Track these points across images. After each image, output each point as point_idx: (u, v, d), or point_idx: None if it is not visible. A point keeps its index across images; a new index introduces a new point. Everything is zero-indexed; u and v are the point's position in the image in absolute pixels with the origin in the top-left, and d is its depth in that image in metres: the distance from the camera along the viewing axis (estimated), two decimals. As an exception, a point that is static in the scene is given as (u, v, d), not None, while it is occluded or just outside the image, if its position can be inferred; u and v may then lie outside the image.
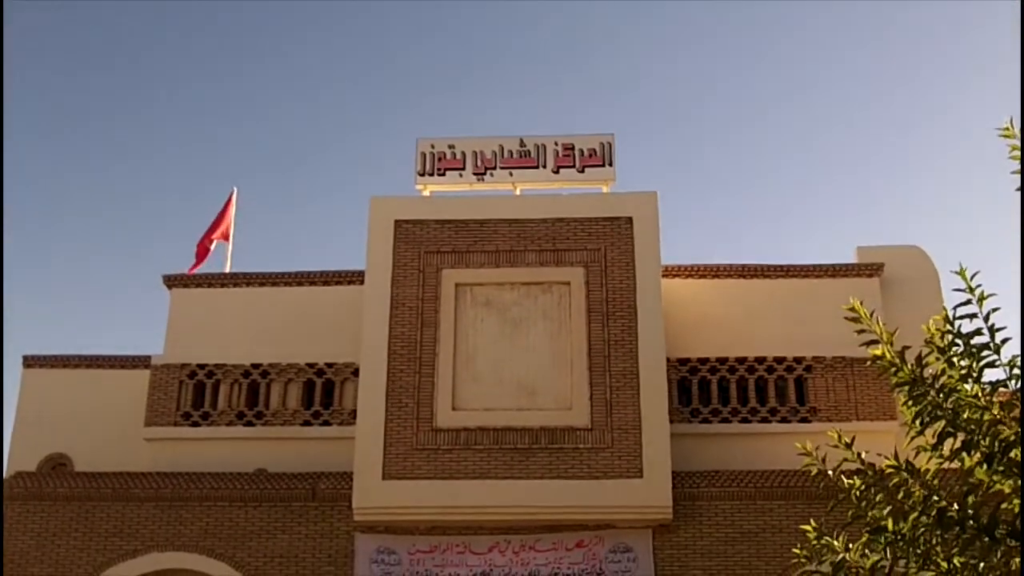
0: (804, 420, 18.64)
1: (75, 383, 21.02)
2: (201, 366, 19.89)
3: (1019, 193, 4.44)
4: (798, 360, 19.22)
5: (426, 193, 19.41)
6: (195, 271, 21.43)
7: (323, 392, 19.72)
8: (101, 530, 17.69)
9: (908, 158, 49.72)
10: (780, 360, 19.25)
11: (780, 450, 17.03)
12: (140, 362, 20.69)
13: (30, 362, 21.43)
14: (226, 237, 22.19)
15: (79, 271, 53.75)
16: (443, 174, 19.36)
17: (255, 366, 19.81)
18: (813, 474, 4.91)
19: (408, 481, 17.11)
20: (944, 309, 4.55)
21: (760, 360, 19.24)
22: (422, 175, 19.36)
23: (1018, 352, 4.31)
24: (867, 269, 19.99)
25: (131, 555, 17.54)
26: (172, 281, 20.87)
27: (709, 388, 19.20)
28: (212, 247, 21.87)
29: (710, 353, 19.28)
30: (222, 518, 17.65)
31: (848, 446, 4.62)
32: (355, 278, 19.95)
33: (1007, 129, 4.41)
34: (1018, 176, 4.40)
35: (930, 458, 4.53)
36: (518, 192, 19.40)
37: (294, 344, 19.88)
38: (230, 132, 52.40)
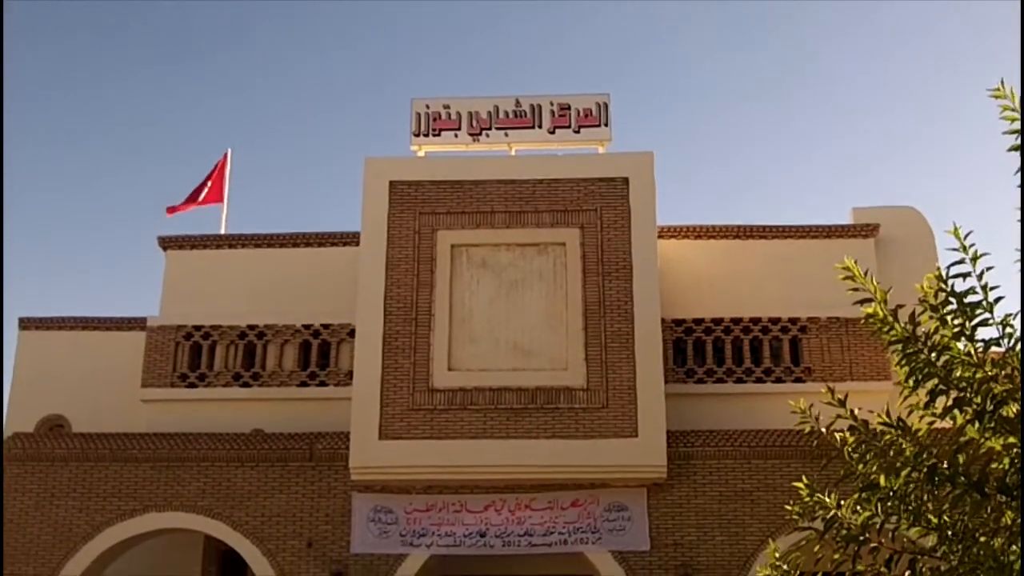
0: (798, 380, 18.73)
1: (71, 345, 21.07)
2: (197, 327, 19.93)
3: (1012, 153, 4.43)
4: (793, 321, 19.28)
5: (421, 154, 19.33)
6: (173, 214, 21.36)
7: (319, 353, 19.78)
8: (99, 490, 17.79)
9: (905, 119, 49.58)
10: (775, 321, 19.31)
11: (774, 410, 17.10)
12: (136, 324, 20.73)
13: (26, 324, 21.45)
14: (220, 199, 22.12)
15: (74, 233, 53.61)
16: (438, 135, 19.28)
17: (251, 327, 19.85)
18: (806, 432, 4.93)
19: (404, 441, 17.19)
20: (939, 269, 4.56)
21: (755, 321, 19.31)
22: (417, 136, 19.28)
23: (1011, 311, 4.33)
24: (862, 230, 20.01)
25: (129, 515, 17.66)
26: (167, 243, 20.85)
27: (704, 349, 19.28)
28: (200, 200, 21.75)
29: (705, 314, 19.34)
30: (219, 478, 17.75)
31: (841, 403, 4.65)
32: (351, 239, 19.94)
33: (998, 90, 4.40)
34: (1010, 136, 4.40)
35: (922, 416, 4.56)
36: (513, 153, 19.32)
37: (290, 305, 19.91)
38: (224, 94, 52.07)
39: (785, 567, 5.11)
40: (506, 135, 19.32)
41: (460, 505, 17.36)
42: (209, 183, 22.02)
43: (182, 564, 19.59)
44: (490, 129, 19.28)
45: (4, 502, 17.74)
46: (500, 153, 19.42)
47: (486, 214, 18.33)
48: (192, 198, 21.79)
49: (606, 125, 19.18)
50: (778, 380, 18.86)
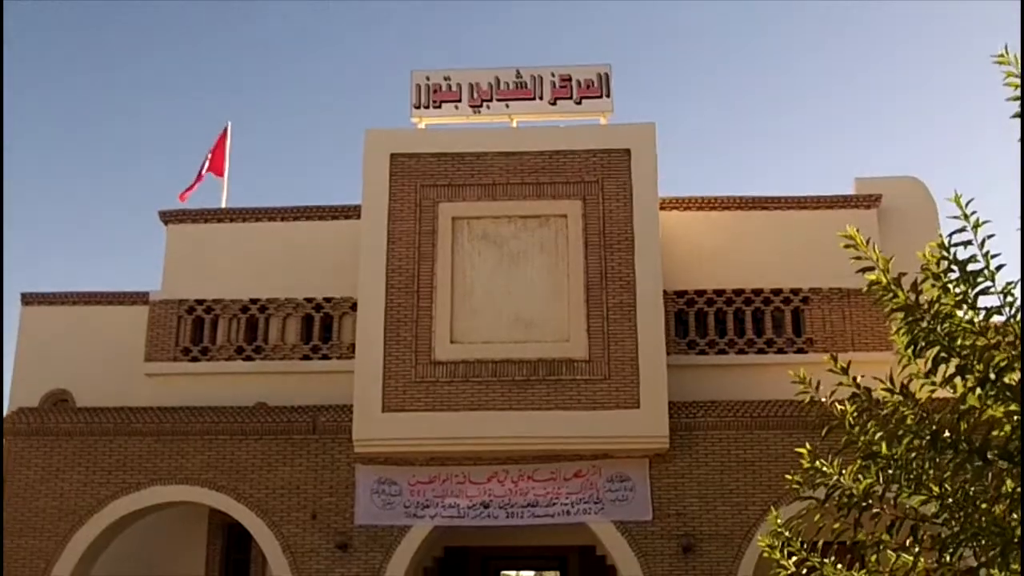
0: (800, 351, 18.75)
1: (74, 320, 21.08)
2: (199, 302, 19.94)
3: (1015, 120, 4.41)
4: (795, 292, 19.27)
5: (421, 126, 19.25)
6: (186, 197, 21.34)
7: (322, 327, 19.80)
8: (104, 464, 17.87)
9: (908, 89, 49.34)
10: (777, 292, 19.30)
11: (776, 381, 17.09)
12: (138, 298, 20.72)
13: (28, 299, 21.44)
14: (220, 172, 22.06)
15: (76, 209, 53.56)
16: (439, 106, 19.19)
17: (253, 301, 19.86)
18: (806, 402, 4.94)
19: (407, 413, 17.24)
20: (941, 237, 4.54)
21: (757, 292, 19.30)
22: (417, 108, 19.19)
23: (1012, 279, 4.32)
24: (865, 200, 19.94)
25: (134, 488, 17.75)
26: (168, 217, 20.81)
27: (706, 320, 19.28)
28: (203, 174, 21.72)
29: (707, 285, 19.33)
30: (223, 451, 17.81)
31: (844, 371, 4.65)
32: (352, 212, 19.89)
33: (1002, 56, 4.37)
34: (1013, 103, 4.38)
35: (922, 385, 4.56)
36: (514, 124, 19.24)
37: (292, 279, 19.90)
38: (224, 66, 51.86)
39: (787, 534, 5.12)
40: (507, 107, 19.23)
41: (463, 477, 17.43)
42: (210, 155, 21.97)
43: (188, 537, 19.70)
44: (491, 101, 19.20)
45: (10, 476, 17.83)
46: (501, 125, 19.34)
47: (487, 186, 18.28)
48: (198, 178, 21.76)
49: (607, 96, 19.10)
50: (780, 351, 18.87)
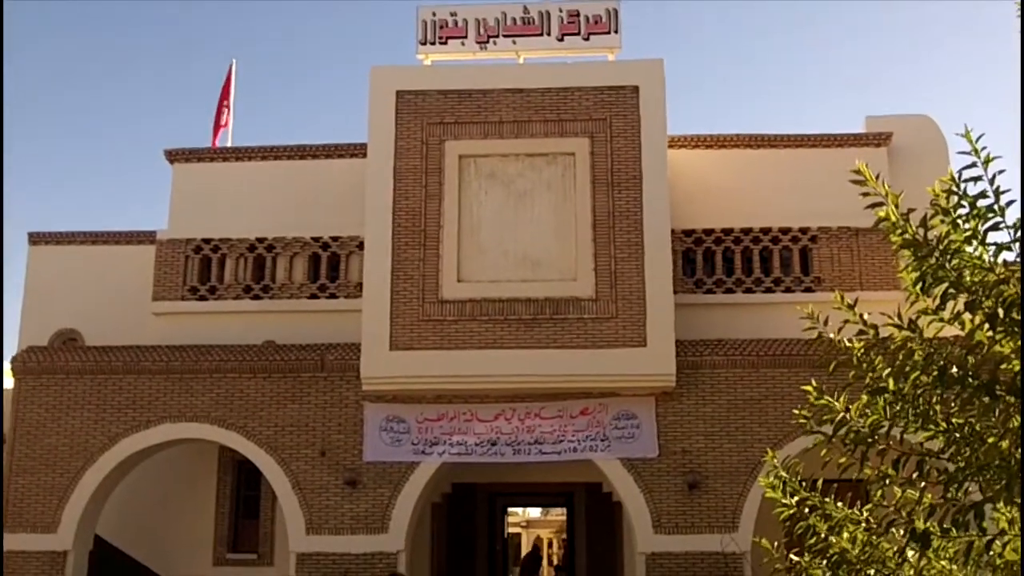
0: (808, 290, 18.73)
1: (82, 260, 21.11)
2: (206, 240, 19.94)
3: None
4: (803, 230, 19.20)
5: (427, 63, 19.05)
6: (216, 142, 21.31)
7: (329, 265, 19.81)
8: (114, 402, 18.01)
9: (921, 27, 48.66)
10: (785, 230, 19.23)
11: (784, 320, 17.15)
12: (145, 237, 20.74)
13: (35, 239, 21.46)
14: (226, 116, 21.95)
15: (82, 148, 53.36)
16: (445, 43, 18.97)
17: (260, 240, 19.86)
18: (814, 339, 4.92)
19: (415, 352, 17.30)
20: (951, 173, 4.49)
21: (765, 230, 19.23)
22: (423, 44, 18.97)
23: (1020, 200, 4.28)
24: (875, 139, 19.78)
25: (144, 426, 17.90)
26: (174, 156, 20.74)
27: (714, 259, 19.24)
28: (225, 119, 21.67)
29: (715, 224, 19.26)
30: (232, 389, 17.93)
31: (851, 307, 4.63)
32: (358, 151, 19.79)
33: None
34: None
35: (931, 322, 4.54)
36: (522, 61, 19.01)
37: (298, 218, 19.88)
38: (228, 2, 51.29)
39: (784, 474, 5.14)
40: (514, 43, 19.00)
41: (471, 414, 17.54)
42: (227, 103, 21.85)
43: (198, 474, 19.95)
44: (498, 37, 18.96)
45: (21, 414, 17.99)
46: (508, 61, 19.12)
47: (494, 124, 18.13)
48: (217, 122, 21.65)
49: (616, 32, 18.85)
50: (788, 290, 18.85)
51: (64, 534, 17.47)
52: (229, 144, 21.49)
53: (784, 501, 5.03)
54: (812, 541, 4.92)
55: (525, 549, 36.46)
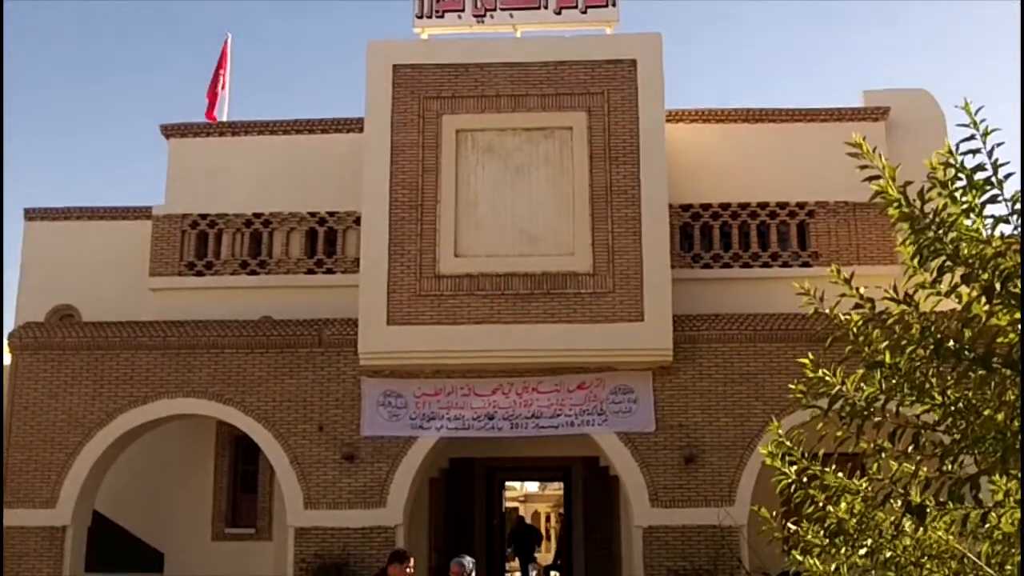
0: (805, 265, 18.74)
1: (78, 235, 21.07)
2: (203, 216, 19.91)
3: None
4: (801, 205, 19.19)
5: (424, 37, 18.95)
6: (214, 115, 21.19)
7: (326, 241, 19.79)
8: (112, 377, 18.02)
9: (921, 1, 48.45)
10: (782, 205, 19.23)
11: (780, 295, 17.15)
12: (142, 213, 20.70)
13: (31, 215, 21.41)
14: (222, 86, 21.83)
15: (77, 123, 53.15)
16: (441, 16, 18.85)
17: (256, 215, 19.84)
18: (811, 312, 4.91)
19: (412, 327, 17.31)
20: (948, 145, 4.47)
21: (762, 205, 19.22)
22: (420, 18, 18.85)
23: (1019, 188, 4.26)
24: (873, 113, 19.74)
25: (142, 401, 17.92)
26: (170, 131, 20.66)
27: (711, 233, 19.24)
28: (220, 93, 21.54)
29: (713, 198, 19.24)
30: (230, 364, 17.94)
31: (847, 282, 4.61)
32: (355, 126, 19.73)
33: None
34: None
35: (927, 296, 4.53)
36: (519, 35, 18.90)
37: (295, 193, 19.84)
38: (223, -23, 50.96)
39: (788, 444, 5.14)
40: (511, 16, 18.88)
41: (468, 389, 17.56)
42: (222, 75, 21.72)
43: (196, 449, 19.99)
44: (495, 10, 18.85)
45: (19, 390, 18.00)
46: (505, 35, 19.01)
47: (491, 98, 18.06)
48: (212, 96, 21.49)
49: (613, 6, 18.74)
50: (785, 265, 18.85)
51: (63, 509, 17.53)
52: (225, 119, 21.40)
53: (784, 470, 5.04)
54: (810, 510, 4.93)
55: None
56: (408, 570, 10.33)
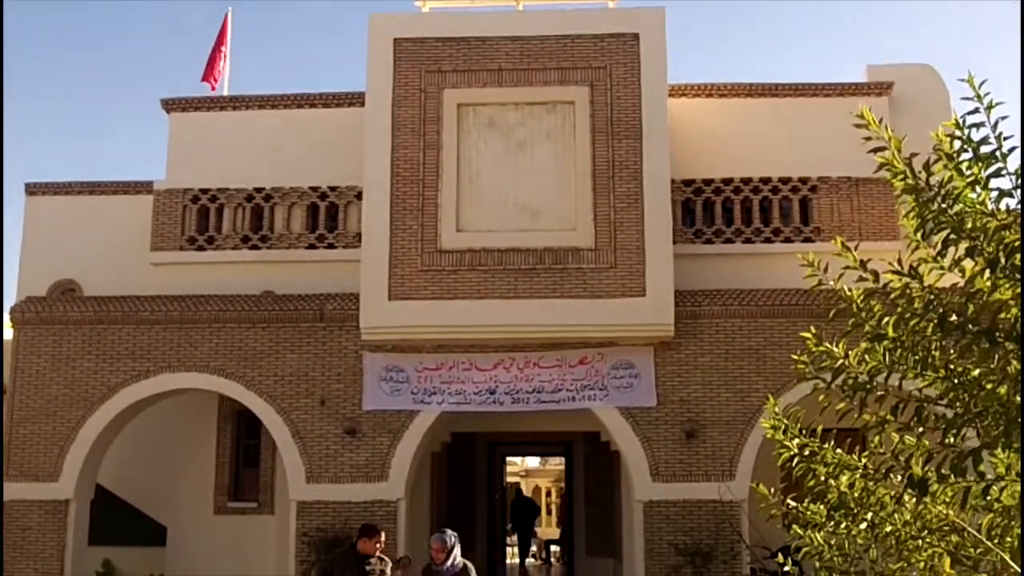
0: (808, 240, 18.69)
1: (79, 210, 21.04)
2: (204, 191, 19.87)
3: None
4: (803, 180, 19.13)
5: (425, 9, 18.84)
6: (215, 86, 21.11)
7: (327, 215, 19.76)
8: (114, 352, 18.03)
9: (924, -28, 48.10)
10: (785, 180, 19.16)
11: (783, 270, 17.13)
12: (143, 187, 20.67)
13: (32, 189, 21.38)
14: (223, 59, 21.74)
15: (78, 97, 52.98)
16: (443, -11, 18.73)
17: (258, 190, 19.79)
18: (813, 286, 4.90)
19: (414, 301, 17.30)
20: (955, 117, 4.44)
21: (765, 180, 19.15)
22: (421, -10, 18.74)
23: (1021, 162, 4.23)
24: (876, 88, 19.65)
25: (144, 375, 17.94)
26: (171, 105, 20.58)
27: (713, 209, 19.18)
28: (220, 66, 21.45)
29: (715, 173, 19.18)
30: (231, 339, 17.95)
31: (849, 250, 4.60)
32: (356, 100, 19.64)
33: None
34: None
35: (931, 269, 4.51)
36: (521, 7, 18.78)
37: (297, 167, 19.79)
38: (223, -50, 50.65)
39: (786, 421, 5.15)
40: (513, -11, 18.75)
41: (469, 363, 17.57)
42: (223, 48, 21.62)
43: (198, 423, 20.04)
44: (497, -18, 18.71)
45: (21, 364, 18.03)
46: (507, 8, 18.89)
47: (493, 72, 17.96)
48: (211, 70, 21.38)
49: (616, -22, 18.61)
50: (787, 240, 18.80)
51: (66, 483, 17.58)
52: (226, 93, 21.32)
53: (785, 443, 5.04)
54: (811, 484, 4.94)
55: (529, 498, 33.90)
56: (378, 545, 10.39)
